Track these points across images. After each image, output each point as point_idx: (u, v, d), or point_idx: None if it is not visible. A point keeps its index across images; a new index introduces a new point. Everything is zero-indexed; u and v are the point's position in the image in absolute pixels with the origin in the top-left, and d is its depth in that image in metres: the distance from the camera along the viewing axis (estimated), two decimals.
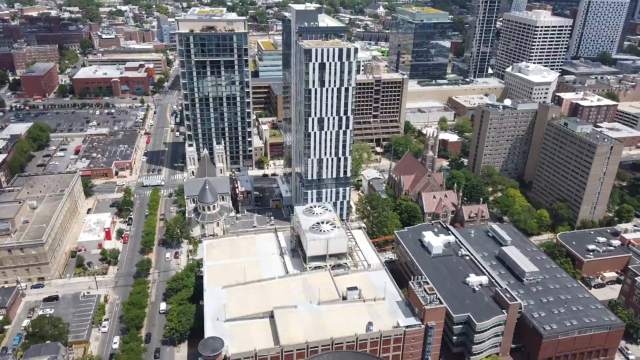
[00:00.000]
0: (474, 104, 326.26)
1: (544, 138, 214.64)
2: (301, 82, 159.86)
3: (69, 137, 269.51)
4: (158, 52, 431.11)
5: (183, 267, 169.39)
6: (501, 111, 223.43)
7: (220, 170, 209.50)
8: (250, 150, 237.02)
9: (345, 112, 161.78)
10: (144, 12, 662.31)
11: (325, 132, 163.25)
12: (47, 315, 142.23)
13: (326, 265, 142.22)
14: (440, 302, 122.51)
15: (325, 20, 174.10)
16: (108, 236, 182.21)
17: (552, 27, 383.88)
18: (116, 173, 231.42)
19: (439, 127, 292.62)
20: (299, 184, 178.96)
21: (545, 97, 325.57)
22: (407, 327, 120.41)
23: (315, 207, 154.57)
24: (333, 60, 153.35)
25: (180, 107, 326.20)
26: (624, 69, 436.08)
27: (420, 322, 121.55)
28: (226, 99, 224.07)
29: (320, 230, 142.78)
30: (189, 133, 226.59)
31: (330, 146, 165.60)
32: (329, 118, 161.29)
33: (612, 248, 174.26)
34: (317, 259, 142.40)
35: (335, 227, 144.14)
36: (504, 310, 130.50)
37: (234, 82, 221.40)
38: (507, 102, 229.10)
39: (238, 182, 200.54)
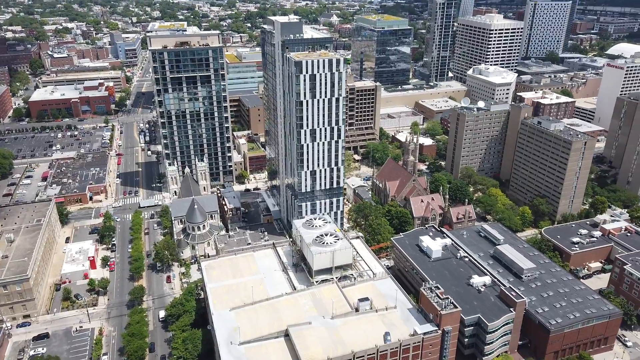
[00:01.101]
0: (441, 107, 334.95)
1: (519, 137, 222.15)
2: (291, 94, 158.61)
3: (34, 163, 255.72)
4: (115, 70, 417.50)
5: (178, 291, 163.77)
6: (476, 113, 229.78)
7: (204, 187, 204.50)
8: (231, 166, 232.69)
9: (337, 122, 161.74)
10: (92, 29, 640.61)
11: (318, 143, 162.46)
12: (40, 355, 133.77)
13: (333, 278, 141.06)
14: (455, 306, 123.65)
15: (308, 31, 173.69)
16: (93, 265, 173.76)
17: (505, 29, 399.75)
18: (90, 198, 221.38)
19: (412, 131, 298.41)
20: (291, 196, 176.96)
21: (506, 98, 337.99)
22: (424, 333, 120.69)
23: (314, 219, 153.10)
24: (323, 71, 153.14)
25: (147, 125, 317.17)
26: (572, 66, 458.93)
27: (437, 328, 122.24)
28: (204, 114, 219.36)
29: (324, 243, 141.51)
30: (166, 152, 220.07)
31: (323, 157, 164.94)
32: (320, 129, 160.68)
33: (595, 239, 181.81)
34: (323, 272, 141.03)
35: (338, 238, 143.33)
36: (511, 309, 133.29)
37: (211, 96, 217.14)
38: (481, 104, 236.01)
39: (225, 199, 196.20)
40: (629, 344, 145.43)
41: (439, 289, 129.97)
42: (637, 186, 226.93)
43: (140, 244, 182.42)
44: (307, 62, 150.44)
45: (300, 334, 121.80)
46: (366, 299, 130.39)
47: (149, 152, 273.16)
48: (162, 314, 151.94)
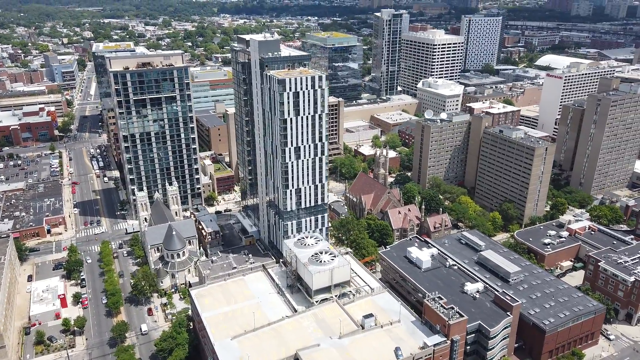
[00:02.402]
0: (396, 120, 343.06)
1: (482, 145, 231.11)
2: (274, 112, 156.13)
3: None
4: (55, 93, 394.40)
5: (163, 323, 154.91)
6: (439, 124, 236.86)
7: (175, 212, 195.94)
8: (199, 188, 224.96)
9: (320, 139, 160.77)
10: (19, 51, 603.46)
11: (302, 161, 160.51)
12: None
13: (332, 297, 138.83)
14: (461, 315, 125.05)
15: (282, 49, 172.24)
16: (64, 303, 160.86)
17: (448, 44, 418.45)
18: (48, 231, 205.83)
19: (374, 144, 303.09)
20: (274, 216, 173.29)
21: (456, 108, 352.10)
22: (435, 345, 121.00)
23: (306, 237, 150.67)
24: (306, 89, 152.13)
25: (99, 150, 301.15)
26: (507, 77, 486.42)
27: (445, 338, 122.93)
28: (170, 136, 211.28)
29: (321, 261, 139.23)
30: (130, 177, 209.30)
31: (308, 174, 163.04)
32: (304, 146, 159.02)
33: (564, 239, 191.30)
34: (323, 291, 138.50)
35: (335, 256, 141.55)
36: (508, 313, 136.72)
37: (177, 117, 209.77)
38: (443, 115, 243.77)
39: (202, 222, 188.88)
40: (611, 337, 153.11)
41: (441, 299, 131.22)
42: (589, 187, 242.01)
43: (114, 277, 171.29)
44: (290, 79, 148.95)
45: (310, 357, 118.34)
46: (370, 315, 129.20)
47: (106, 179, 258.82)
48: (144, 327, 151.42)
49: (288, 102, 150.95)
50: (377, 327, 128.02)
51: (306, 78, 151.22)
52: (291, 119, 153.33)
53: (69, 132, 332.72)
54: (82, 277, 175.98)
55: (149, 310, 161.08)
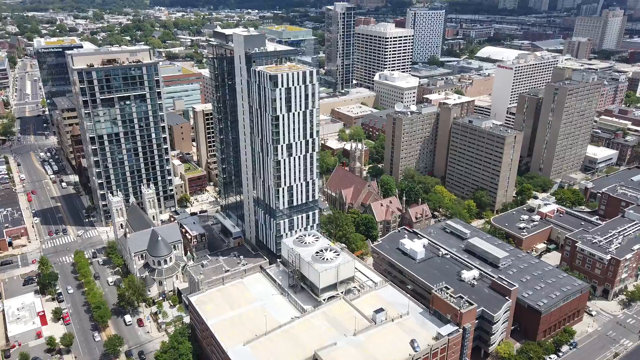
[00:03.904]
0: (357, 113, 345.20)
1: (452, 136, 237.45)
2: (264, 108, 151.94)
3: None
4: None
5: (156, 334, 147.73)
6: (410, 116, 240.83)
7: (153, 217, 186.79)
8: (172, 190, 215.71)
9: (311, 135, 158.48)
10: None
11: (294, 158, 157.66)
12: None
13: (339, 293, 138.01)
14: (471, 303, 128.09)
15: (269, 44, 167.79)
16: (44, 321, 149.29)
17: (399, 37, 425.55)
18: (10, 244, 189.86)
19: (340, 137, 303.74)
20: (264, 215, 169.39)
21: (413, 100, 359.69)
22: (449, 334, 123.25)
23: (305, 236, 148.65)
24: (298, 84, 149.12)
25: (49, 154, 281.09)
26: (453, 69, 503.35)
27: (457, 327, 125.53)
28: (140, 136, 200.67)
29: (325, 259, 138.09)
30: (99, 181, 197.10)
31: (299, 171, 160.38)
32: (296, 143, 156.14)
33: (537, 223, 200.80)
34: (329, 288, 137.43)
35: (338, 253, 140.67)
36: (507, 297, 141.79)
37: (148, 117, 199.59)
38: (413, 107, 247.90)
39: (185, 226, 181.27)
40: (593, 313, 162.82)
41: (448, 288, 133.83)
42: (548, 171, 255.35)
43: (96, 288, 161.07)
44: (282, 75, 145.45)
45: (330, 356, 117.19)
46: (381, 309, 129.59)
47: (64, 184, 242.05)
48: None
49: (280, 99, 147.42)
50: (388, 321, 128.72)
51: (297, 73, 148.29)
52: (283, 116, 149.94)
53: (12, 136, 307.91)
54: (58, 292, 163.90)
55: (139, 321, 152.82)
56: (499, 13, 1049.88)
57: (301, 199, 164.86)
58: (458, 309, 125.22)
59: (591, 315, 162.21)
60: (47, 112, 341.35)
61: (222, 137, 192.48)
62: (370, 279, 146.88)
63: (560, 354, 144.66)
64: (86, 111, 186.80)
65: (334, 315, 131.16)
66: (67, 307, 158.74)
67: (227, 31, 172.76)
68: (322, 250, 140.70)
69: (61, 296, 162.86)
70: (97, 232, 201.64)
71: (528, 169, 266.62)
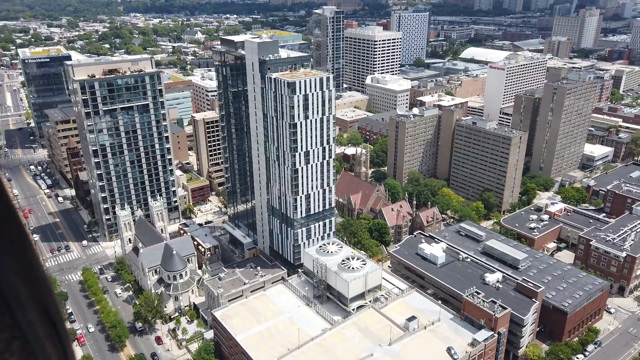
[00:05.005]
0: (352, 117, 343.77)
1: (456, 138, 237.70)
2: (281, 116, 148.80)
3: None
4: None
5: (177, 353, 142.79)
6: (413, 119, 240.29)
7: (161, 230, 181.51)
8: (176, 201, 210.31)
9: (328, 142, 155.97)
10: None
11: (311, 165, 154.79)
12: None
13: (368, 302, 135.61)
14: (504, 308, 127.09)
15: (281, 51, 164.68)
16: None
17: (387, 40, 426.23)
18: None
19: (337, 142, 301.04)
20: (280, 224, 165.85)
21: (407, 103, 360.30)
22: (485, 340, 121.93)
23: (327, 244, 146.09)
24: (315, 91, 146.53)
25: (41, 168, 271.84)
26: (440, 71, 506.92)
27: (492, 332, 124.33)
28: (143, 148, 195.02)
29: (351, 268, 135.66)
30: (102, 195, 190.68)
31: (316, 179, 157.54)
32: (313, 150, 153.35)
33: (547, 222, 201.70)
34: (357, 298, 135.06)
35: (365, 261, 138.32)
36: (533, 299, 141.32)
37: (151, 127, 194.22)
38: (415, 110, 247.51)
39: (197, 238, 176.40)
40: (612, 310, 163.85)
41: (479, 293, 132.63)
42: (549, 170, 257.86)
43: (109, 307, 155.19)
44: (299, 82, 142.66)
45: None
46: (413, 317, 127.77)
47: (60, 199, 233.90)
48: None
49: (298, 106, 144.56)
50: (421, 329, 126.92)
51: (315, 80, 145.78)
52: (301, 123, 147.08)
53: None
54: (69, 312, 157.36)
55: (158, 339, 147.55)
56: (475, 14, 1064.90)
57: (318, 207, 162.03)
58: (492, 313, 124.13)
59: (610, 313, 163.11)
60: (32, 125, 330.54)
61: (228, 145, 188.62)
62: (396, 286, 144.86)
63: (587, 353, 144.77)
64: (89, 123, 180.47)
65: (366, 325, 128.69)
66: (80, 327, 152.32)
67: (236, 38, 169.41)
68: (347, 259, 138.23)
69: (72, 316, 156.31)
70: (102, 247, 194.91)
71: (528, 168, 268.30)
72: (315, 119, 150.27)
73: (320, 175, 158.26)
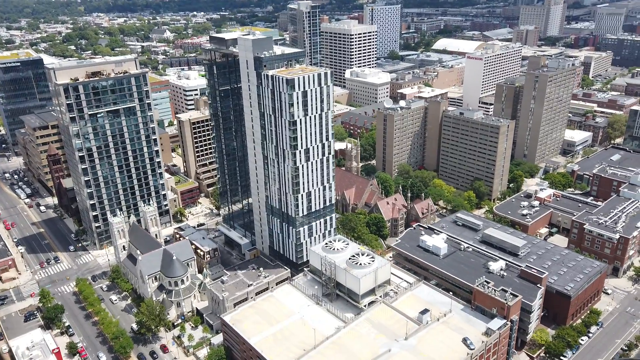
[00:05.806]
0: (333, 111, 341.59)
1: (443, 129, 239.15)
2: (280, 114, 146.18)
3: None
4: None
5: (183, 359, 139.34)
6: (400, 112, 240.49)
7: (155, 235, 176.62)
8: (166, 205, 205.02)
9: (327, 138, 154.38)
10: None
11: (311, 162, 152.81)
12: None
13: (378, 298, 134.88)
14: (515, 295, 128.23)
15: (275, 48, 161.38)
16: (59, 357, 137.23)
17: (363, 33, 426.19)
18: None
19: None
20: (280, 223, 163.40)
21: (387, 95, 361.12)
22: (499, 328, 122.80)
23: (333, 241, 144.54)
24: (313, 87, 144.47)
25: (18, 177, 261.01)
26: (414, 62, 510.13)
27: (505, 320, 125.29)
28: (132, 152, 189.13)
29: (360, 264, 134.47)
30: (91, 202, 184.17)
31: (316, 176, 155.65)
32: (313, 147, 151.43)
33: (537, 208, 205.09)
34: (368, 294, 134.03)
35: (372, 257, 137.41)
36: (538, 285, 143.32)
37: (139, 130, 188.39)
38: (402, 103, 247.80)
39: (195, 242, 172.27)
40: (609, 291, 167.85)
41: (488, 283, 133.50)
42: (533, 157, 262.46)
43: (109, 317, 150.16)
44: (299, 78, 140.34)
45: None
46: (426, 310, 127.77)
47: (42, 208, 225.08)
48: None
49: (297, 102, 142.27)
50: (434, 321, 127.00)
51: (313, 76, 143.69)
52: (300, 120, 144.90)
53: None
54: (67, 325, 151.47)
55: (163, 347, 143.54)
56: (442, 6, 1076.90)
57: (319, 204, 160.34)
58: (505, 302, 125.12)
59: (607, 294, 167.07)
60: (3, 132, 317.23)
61: (218, 145, 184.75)
62: (404, 280, 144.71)
63: (591, 334, 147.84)
64: (74, 128, 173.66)
65: (379, 320, 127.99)
66: (80, 340, 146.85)
67: (227, 35, 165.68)
68: (355, 255, 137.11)
69: (70, 329, 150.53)
70: (92, 256, 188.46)
71: (512, 156, 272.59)
72: (315, 116, 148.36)
73: (320, 172, 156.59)
